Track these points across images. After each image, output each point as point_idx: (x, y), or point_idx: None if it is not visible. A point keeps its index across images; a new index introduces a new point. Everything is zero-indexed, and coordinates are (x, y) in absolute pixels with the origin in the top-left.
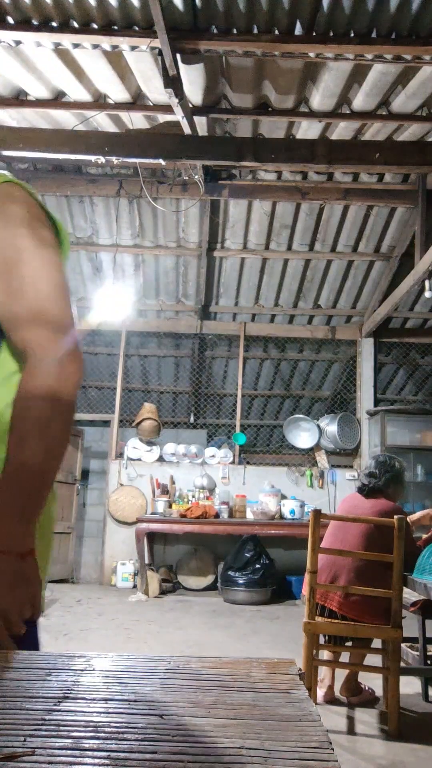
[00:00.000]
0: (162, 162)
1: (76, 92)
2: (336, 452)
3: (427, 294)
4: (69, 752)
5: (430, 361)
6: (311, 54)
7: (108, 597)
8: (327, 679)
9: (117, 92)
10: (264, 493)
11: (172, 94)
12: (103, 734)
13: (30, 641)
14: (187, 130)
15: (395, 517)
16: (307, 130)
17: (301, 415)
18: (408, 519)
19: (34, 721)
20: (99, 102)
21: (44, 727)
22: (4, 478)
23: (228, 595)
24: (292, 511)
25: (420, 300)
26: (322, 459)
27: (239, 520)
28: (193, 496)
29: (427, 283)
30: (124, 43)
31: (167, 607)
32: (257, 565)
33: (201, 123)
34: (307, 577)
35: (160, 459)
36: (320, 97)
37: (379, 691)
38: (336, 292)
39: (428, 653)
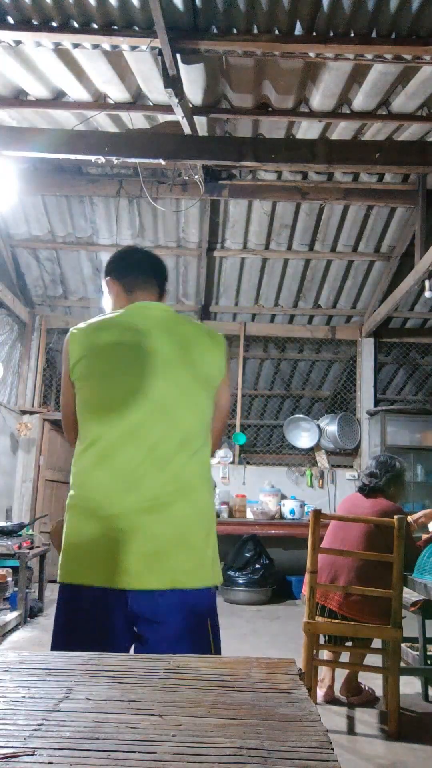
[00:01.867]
0: (162, 162)
1: (76, 92)
2: (336, 452)
3: (427, 294)
4: (69, 752)
5: (430, 361)
6: (311, 54)
7: None
8: (327, 679)
9: (117, 92)
10: (264, 493)
11: (172, 94)
12: (103, 734)
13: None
14: (187, 130)
15: (395, 517)
16: (307, 130)
17: (301, 415)
18: (408, 518)
19: (34, 721)
20: (99, 102)
21: (44, 727)
22: None
23: (228, 595)
24: (292, 511)
25: (420, 300)
26: (322, 459)
27: (239, 520)
28: None
29: (427, 283)
30: (124, 43)
31: None
32: (257, 565)
33: (201, 123)
34: (307, 577)
35: None
36: (320, 97)
37: (379, 691)
38: (336, 292)
39: (428, 653)
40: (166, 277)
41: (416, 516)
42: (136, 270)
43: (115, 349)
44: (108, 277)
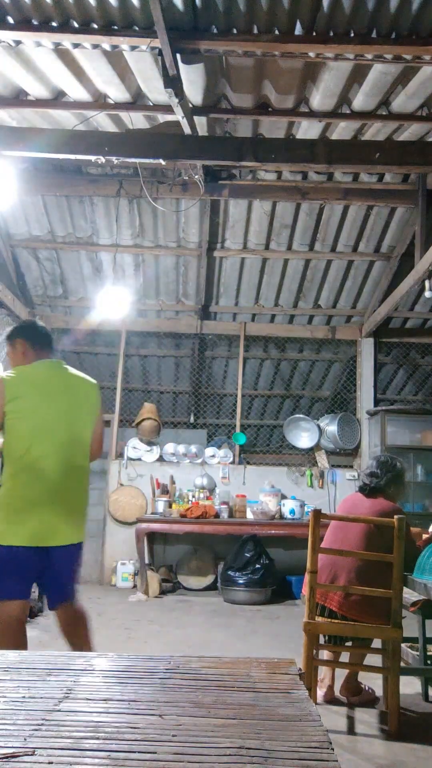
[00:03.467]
0: (162, 162)
1: (76, 92)
2: (336, 452)
3: (427, 294)
4: (69, 752)
5: (430, 361)
6: (311, 54)
7: (108, 597)
8: (327, 679)
9: (117, 92)
10: (264, 493)
11: (172, 94)
12: (103, 734)
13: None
14: (187, 130)
15: (395, 517)
16: (307, 130)
17: (301, 415)
18: (423, 536)
19: (34, 721)
20: (99, 102)
21: (44, 727)
22: None
23: (228, 595)
24: (292, 511)
25: (420, 300)
26: (322, 459)
27: (239, 520)
28: (193, 496)
29: (427, 283)
30: (124, 43)
31: (167, 607)
32: (257, 565)
33: (201, 123)
34: (307, 577)
35: (160, 459)
36: (320, 97)
37: (379, 691)
38: (336, 292)
39: (428, 653)
40: (54, 343)
41: (427, 536)
42: (40, 336)
43: (34, 407)
44: (19, 338)
